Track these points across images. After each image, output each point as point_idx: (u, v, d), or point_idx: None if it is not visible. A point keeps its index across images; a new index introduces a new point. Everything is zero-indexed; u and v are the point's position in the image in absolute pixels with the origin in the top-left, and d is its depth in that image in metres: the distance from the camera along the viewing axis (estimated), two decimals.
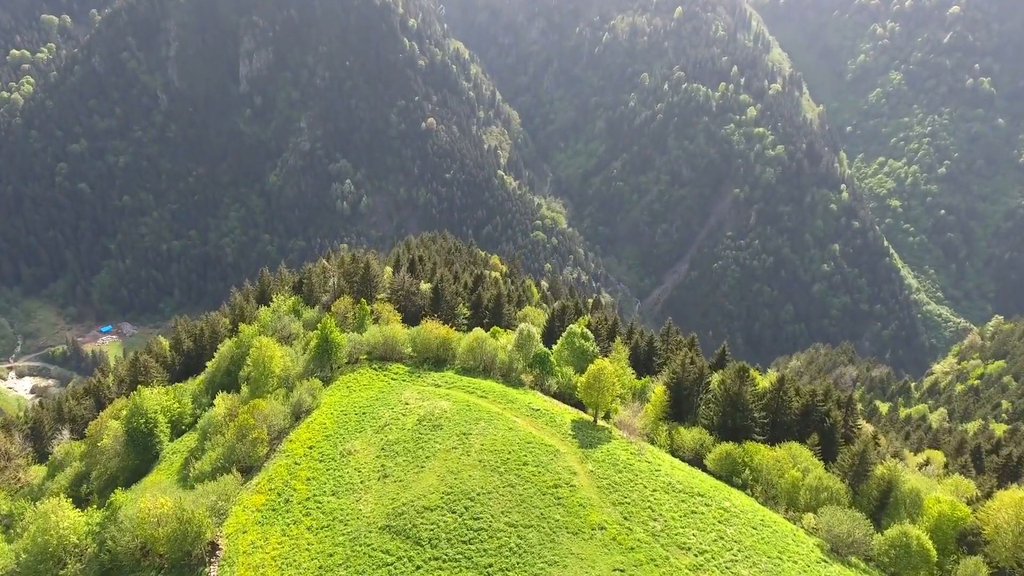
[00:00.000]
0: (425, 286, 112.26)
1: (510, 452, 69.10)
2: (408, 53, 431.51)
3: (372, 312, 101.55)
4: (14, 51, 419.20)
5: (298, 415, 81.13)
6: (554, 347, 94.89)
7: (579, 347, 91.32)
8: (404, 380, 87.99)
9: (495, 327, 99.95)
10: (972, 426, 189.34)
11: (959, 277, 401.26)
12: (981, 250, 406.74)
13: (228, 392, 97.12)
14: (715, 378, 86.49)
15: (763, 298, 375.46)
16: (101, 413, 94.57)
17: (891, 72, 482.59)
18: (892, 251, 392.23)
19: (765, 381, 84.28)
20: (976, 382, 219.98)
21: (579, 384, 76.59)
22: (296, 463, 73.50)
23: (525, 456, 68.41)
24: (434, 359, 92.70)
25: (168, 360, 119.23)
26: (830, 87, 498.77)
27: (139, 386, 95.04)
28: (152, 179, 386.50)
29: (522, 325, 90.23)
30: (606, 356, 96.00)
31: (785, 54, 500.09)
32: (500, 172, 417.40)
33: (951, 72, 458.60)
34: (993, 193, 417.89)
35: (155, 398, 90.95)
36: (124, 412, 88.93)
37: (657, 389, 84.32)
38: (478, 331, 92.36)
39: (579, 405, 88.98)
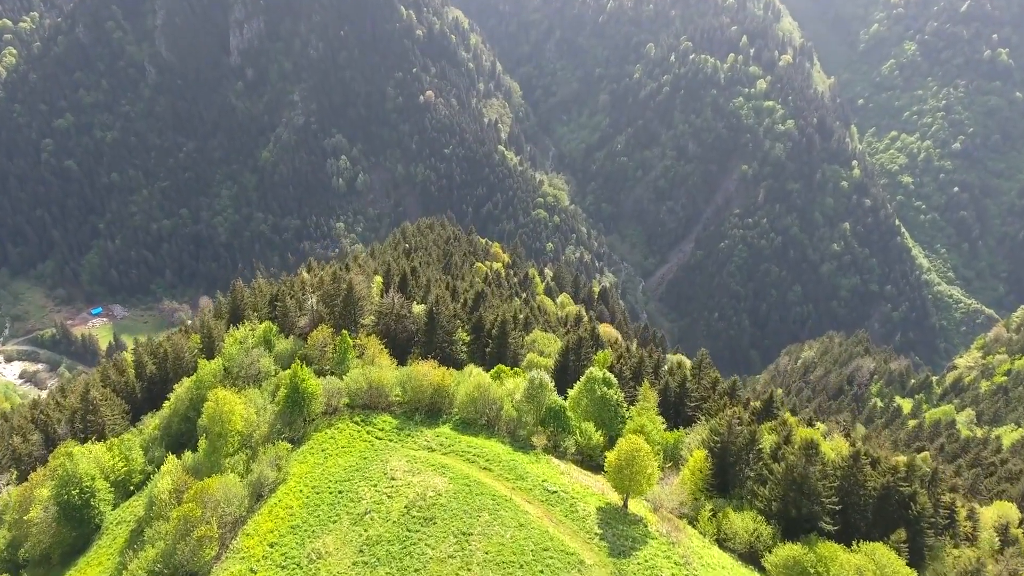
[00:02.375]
0: (418, 308, 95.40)
1: (522, 565, 53.09)
2: (405, 22, 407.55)
3: (355, 346, 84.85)
4: None
5: (260, 494, 64.94)
6: (569, 392, 78.54)
7: (601, 395, 74.88)
8: (391, 440, 71.67)
9: (500, 366, 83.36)
10: (1005, 431, 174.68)
11: (971, 256, 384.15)
12: (994, 228, 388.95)
13: (185, 444, 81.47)
14: (766, 437, 70.23)
15: (770, 279, 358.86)
16: (32, 474, 78.47)
17: (905, 42, 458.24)
18: (903, 230, 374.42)
19: (829, 448, 68.05)
20: (1003, 379, 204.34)
21: (608, 465, 60.27)
22: (252, 570, 57.51)
23: (541, 572, 52.41)
24: (428, 408, 76.38)
25: (129, 387, 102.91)
26: (841, 58, 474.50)
27: (75, 446, 78.80)
28: (141, 155, 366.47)
29: (533, 373, 73.63)
30: (631, 403, 79.80)
31: (796, 23, 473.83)
32: (501, 147, 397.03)
33: (968, 43, 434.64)
34: (1008, 169, 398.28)
35: (96, 455, 74.89)
36: (59, 472, 72.88)
37: (697, 455, 68.07)
38: (479, 377, 75.82)
39: (603, 467, 73.17)
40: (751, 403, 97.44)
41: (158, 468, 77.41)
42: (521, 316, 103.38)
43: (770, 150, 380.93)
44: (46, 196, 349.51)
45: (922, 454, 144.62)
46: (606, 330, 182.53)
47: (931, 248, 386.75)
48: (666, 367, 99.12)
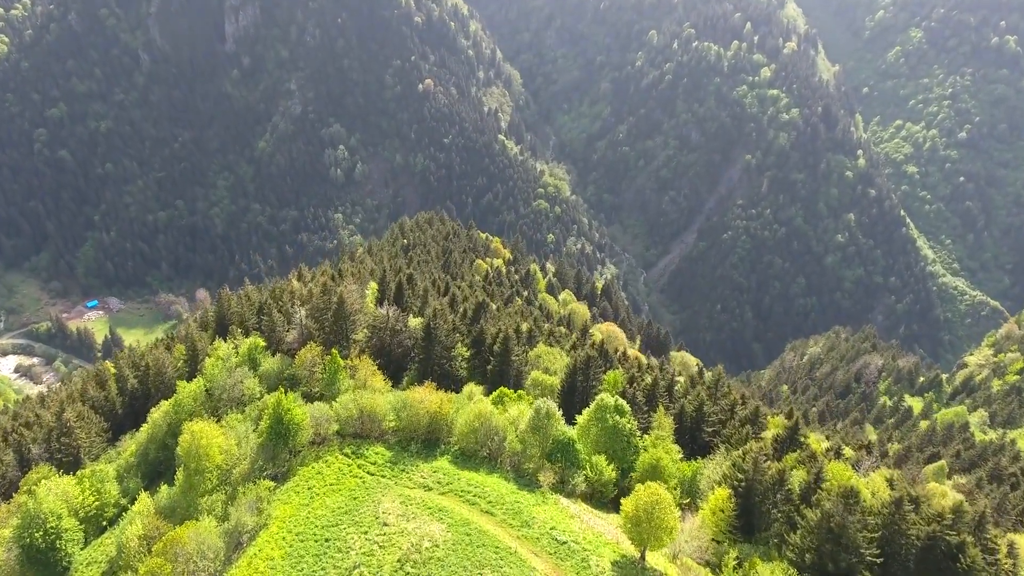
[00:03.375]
0: (415, 322, 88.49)
1: None
2: (403, 9, 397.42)
3: (346, 365, 78.05)
4: None
5: (238, 542, 58.33)
6: (578, 418, 71.89)
7: (612, 425, 68.20)
8: (384, 475, 65.02)
9: (502, 389, 76.62)
10: (1020, 435, 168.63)
11: (976, 248, 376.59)
12: (1000, 219, 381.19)
13: (163, 472, 75.13)
14: (795, 473, 63.55)
15: (774, 270, 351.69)
16: None
17: (911, 29, 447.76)
18: (908, 221, 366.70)
19: (865, 488, 61.34)
20: (1015, 378, 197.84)
21: (624, 515, 53.62)
22: None
23: None
24: (424, 437, 69.78)
25: (110, 403, 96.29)
26: (846, 45, 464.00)
27: (48, 471, 72.21)
28: (135, 145, 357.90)
29: (539, 402, 66.86)
30: (646, 432, 73.15)
31: (800, 10, 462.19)
32: (501, 137, 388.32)
33: (975, 30, 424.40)
34: (1015, 159, 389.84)
35: (64, 490, 68.28)
36: (22, 511, 66.30)
37: (719, 493, 61.47)
38: (480, 404, 69.12)
39: (616, 503, 66.65)
40: (770, 420, 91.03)
41: (133, 501, 71.22)
42: (524, 329, 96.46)
43: (774, 139, 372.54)
44: (40, 187, 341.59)
45: (938, 463, 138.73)
46: (610, 329, 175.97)
47: (936, 239, 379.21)
48: (680, 382, 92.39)
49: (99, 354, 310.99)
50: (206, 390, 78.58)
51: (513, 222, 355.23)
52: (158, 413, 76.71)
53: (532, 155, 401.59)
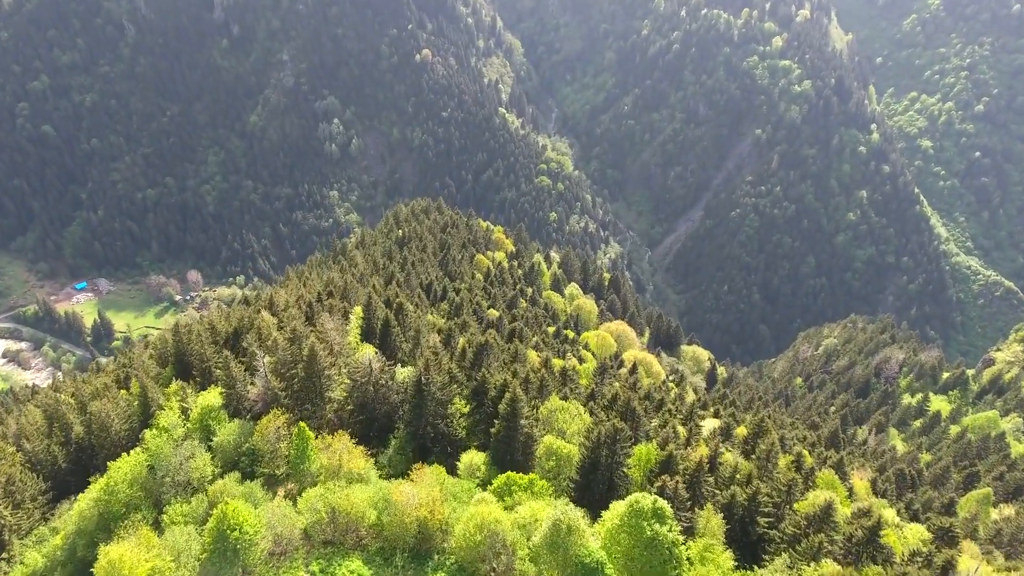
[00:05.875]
0: (404, 373, 72.42)
1: None
2: None
3: (320, 443, 62.22)
4: None
5: None
6: (605, 517, 56.32)
7: (651, 536, 52.58)
8: None
9: (510, 475, 60.76)
10: None
11: (991, 225, 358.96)
12: (1016, 196, 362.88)
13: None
14: None
15: (783, 250, 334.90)
16: None
17: None
18: (922, 198, 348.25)
19: None
20: None
21: None
22: None
23: None
24: (413, 547, 54.36)
25: (51, 457, 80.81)
26: (860, 12, 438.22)
27: None
28: (122, 120, 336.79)
29: (558, 514, 51.17)
30: (690, 535, 57.57)
31: None
32: (502, 110, 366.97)
33: None
34: None
35: None
36: None
37: None
38: (483, 509, 53.40)
39: None
40: (819, 476, 76.39)
41: None
42: (535, 364, 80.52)
43: (785, 113, 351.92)
44: (24, 164, 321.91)
45: (983, 490, 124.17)
46: (619, 328, 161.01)
47: (949, 216, 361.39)
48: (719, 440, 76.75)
49: (88, 339, 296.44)
50: (149, 467, 62.96)
51: (514, 199, 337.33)
52: (86, 501, 61.12)
53: (534, 128, 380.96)
